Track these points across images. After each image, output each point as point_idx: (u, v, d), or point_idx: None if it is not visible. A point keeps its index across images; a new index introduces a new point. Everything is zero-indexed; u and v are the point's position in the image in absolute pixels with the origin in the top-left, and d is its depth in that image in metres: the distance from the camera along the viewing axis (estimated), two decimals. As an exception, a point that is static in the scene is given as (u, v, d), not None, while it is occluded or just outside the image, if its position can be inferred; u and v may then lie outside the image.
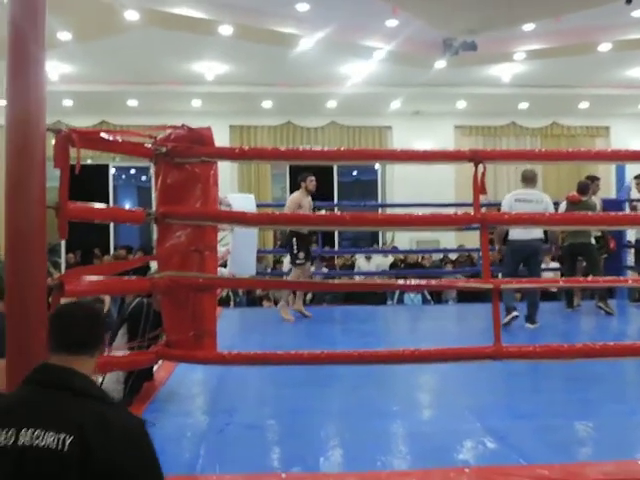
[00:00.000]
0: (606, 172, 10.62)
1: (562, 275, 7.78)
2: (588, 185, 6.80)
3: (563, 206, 6.70)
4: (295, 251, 6.32)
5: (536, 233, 5.74)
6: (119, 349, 3.45)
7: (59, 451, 1.51)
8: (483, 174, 2.93)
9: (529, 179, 5.98)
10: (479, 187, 2.90)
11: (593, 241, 6.67)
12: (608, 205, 7.10)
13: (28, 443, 1.53)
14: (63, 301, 2.58)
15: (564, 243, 6.77)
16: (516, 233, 5.81)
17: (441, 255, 11.46)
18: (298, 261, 6.37)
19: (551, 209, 5.75)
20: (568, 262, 6.78)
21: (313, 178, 6.49)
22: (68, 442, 1.51)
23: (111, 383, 3.60)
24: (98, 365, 3.03)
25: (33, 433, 1.54)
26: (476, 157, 2.96)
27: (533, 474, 2.37)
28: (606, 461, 2.53)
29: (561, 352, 2.88)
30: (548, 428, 3.02)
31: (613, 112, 12.90)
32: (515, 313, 5.64)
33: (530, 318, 5.76)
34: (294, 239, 6.33)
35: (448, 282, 3.45)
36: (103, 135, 3.18)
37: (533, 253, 5.81)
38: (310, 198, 6.55)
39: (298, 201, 6.34)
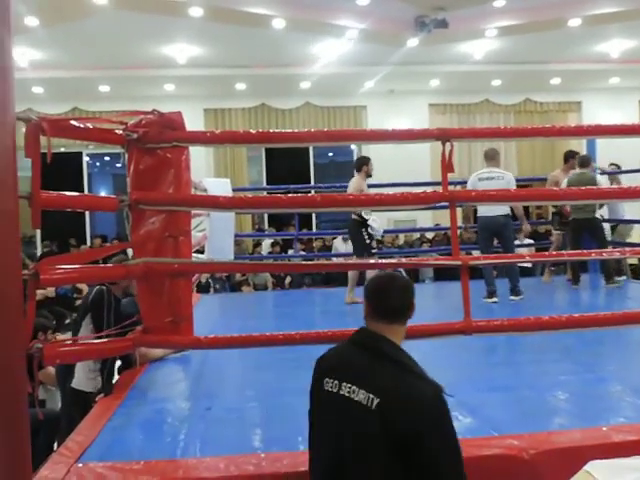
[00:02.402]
0: (578, 147, 10.74)
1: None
2: (588, 158, 6.77)
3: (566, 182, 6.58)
4: (368, 241, 5.97)
5: (500, 209, 5.84)
6: (85, 339, 3.45)
7: (368, 407, 1.76)
8: (451, 152, 2.97)
9: (491, 157, 6.12)
10: (447, 165, 2.95)
11: (598, 215, 6.57)
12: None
13: (347, 395, 1.82)
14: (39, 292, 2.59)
15: (569, 218, 6.66)
16: (482, 210, 6.01)
17: (418, 234, 11.59)
18: (373, 250, 6.11)
19: (513, 185, 5.82)
20: (572, 237, 6.66)
21: (371, 162, 6.21)
22: (375, 402, 1.76)
23: (82, 372, 3.62)
24: (73, 353, 3.06)
25: (350, 388, 1.83)
26: (443, 135, 3.00)
27: (503, 444, 2.45)
28: (573, 429, 2.63)
29: (528, 325, 2.96)
30: (520, 399, 3.12)
31: (584, 87, 13.04)
32: (495, 299, 5.82)
33: (513, 290, 5.90)
34: (363, 229, 5.96)
35: (418, 260, 3.52)
36: (74, 123, 3.16)
37: (499, 229, 5.93)
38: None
39: (361, 186, 6.02)
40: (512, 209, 6.10)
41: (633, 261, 9.59)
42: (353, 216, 6.02)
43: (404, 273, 5.99)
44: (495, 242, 6.20)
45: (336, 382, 1.87)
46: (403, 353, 1.89)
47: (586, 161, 6.70)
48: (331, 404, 1.88)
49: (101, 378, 3.54)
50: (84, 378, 3.65)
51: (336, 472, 1.86)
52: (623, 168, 7.78)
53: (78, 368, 3.66)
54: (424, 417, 1.72)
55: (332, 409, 1.88)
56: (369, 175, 6.16)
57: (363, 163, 6.13)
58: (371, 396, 1.76)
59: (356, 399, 1.80)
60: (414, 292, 2.01)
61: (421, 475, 1.72)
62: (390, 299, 1.94)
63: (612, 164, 7.89)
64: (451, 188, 3.55)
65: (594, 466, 1.71)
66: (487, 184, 5.76)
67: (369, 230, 5.94)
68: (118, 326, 3.38)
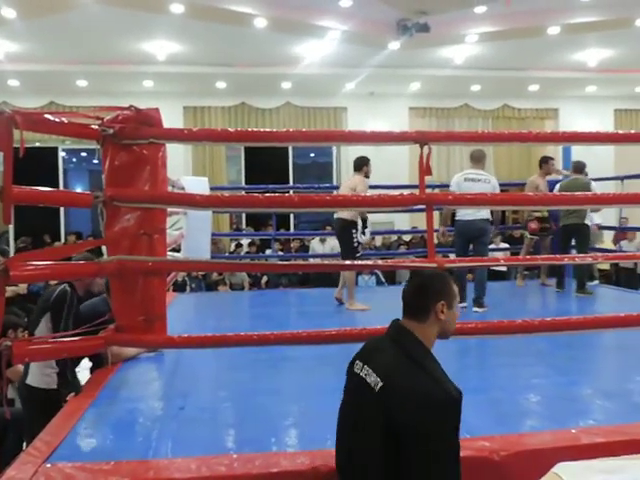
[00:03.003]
0: (554, 153, 10.89)
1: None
2: (583, 164, 6.78)
3: (559, 187, 6.65)
4: (355, 244, 5.75)
5: (482, 213, 5.68)
6: (42, 338, 3.39)
7: (373, 389, 1.86)
8: (429, 155, 2.99)
9: (477, 159, 5.95)
10: (424, 168, 2.96)
11: (587, 222, 6.59)
12: (552, 185, 7.14)
13: (363, 376, 1.93)
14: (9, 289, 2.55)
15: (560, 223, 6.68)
16: (461, 213, 5.81)
17: (395, 237, 11.65)
18: (358, 254, 5.75)
19: (498, 190, 5.73)
20: (561, 242, 6.67)
21: (371, 162, 6.03)
22: (379, 386, 1.84)
23: (37, 369, 3.56)
24: (43, 352, 3.01)
25: (367, 370, 1.93)
26: (421, 138, 3.02)
27: (474, 446, 2.46)
28: (544, 431, 2.65)
29: (501, 328, 2.99)
30: (492, 402, 3.14)
31: (562, 95, 13.22)
32: (465, 304, 5.59)
33: (477, 301, 5.63)
34: (354, 230, 5.76)
35: (394, 262, 3.53)
36: (48, 117, 3.11)
37: (478, 233, 5.73)
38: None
39: (366, 187, 5.80)
40: (492, 213, 5.98)
41: (604, 266, 9.75)
42: (342, 216, 5.78)
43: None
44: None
45: (360, 364, 1.99)
46: (425, 353, 1.92)
47: (580, 167, 6.73)
48: (352, 383, 2.02)
49: (57, 376, 3.49)
50: (38, 374, 3.57)
51: (348, 447, 1.98)
52: (599, 175, 7.87)
53: (33, 364, 3.59)
54: (425, 416, 1.74)
55: (352, 388, 2.02)
56: (367, 176, 5.97)
57: (363, 163, 5.95)
58: (378, 380, 1.85)
59: (367, 381, 1.89)
60: (444, 293, 1.99)
61: (411, 471, 1.75)
62: (413, 297, 1.98)
63: None
64: (429, 191, 3.56)
65: (562, 468, 1.73)
66: (472, 185, 5.63)
67: (357, 236, 5.77)
68: (76, 329, 3.32)
